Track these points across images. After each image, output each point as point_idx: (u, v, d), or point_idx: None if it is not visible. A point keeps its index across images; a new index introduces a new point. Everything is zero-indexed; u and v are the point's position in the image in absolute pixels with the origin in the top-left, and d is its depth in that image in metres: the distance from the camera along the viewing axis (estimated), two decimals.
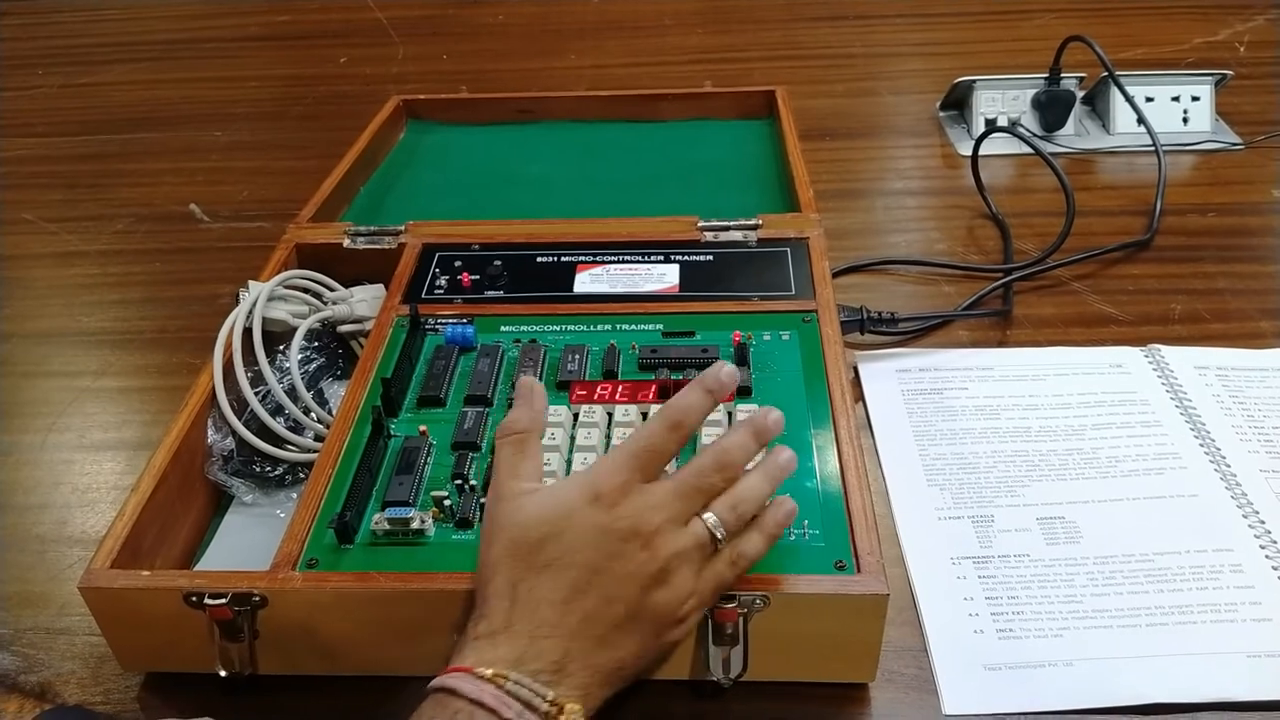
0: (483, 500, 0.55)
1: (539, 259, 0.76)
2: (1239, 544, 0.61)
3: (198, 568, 0.61)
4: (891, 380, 0.75)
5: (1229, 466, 0.66)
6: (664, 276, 0.74)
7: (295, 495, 0.65)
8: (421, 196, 0.93)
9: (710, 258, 0.76)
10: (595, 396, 0.61)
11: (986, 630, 0.57)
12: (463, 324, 0.69)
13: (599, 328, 0.69)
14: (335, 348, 0.73)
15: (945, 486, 0.66)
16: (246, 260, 0.85)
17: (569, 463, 0.57)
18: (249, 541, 0.62)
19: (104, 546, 0.54)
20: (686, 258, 0.75)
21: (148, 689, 0.56)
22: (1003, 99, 1.08)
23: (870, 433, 0.71)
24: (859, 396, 0.74)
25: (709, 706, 0.53)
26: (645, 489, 0.46)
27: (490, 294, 0.73)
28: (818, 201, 0.81)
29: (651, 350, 0.66)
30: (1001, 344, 0.79)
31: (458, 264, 0.76)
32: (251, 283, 0.71)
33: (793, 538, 0.53)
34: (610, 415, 0.60)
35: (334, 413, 0.64)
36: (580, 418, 0.60)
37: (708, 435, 0.58)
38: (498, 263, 0.75)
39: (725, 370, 0.49)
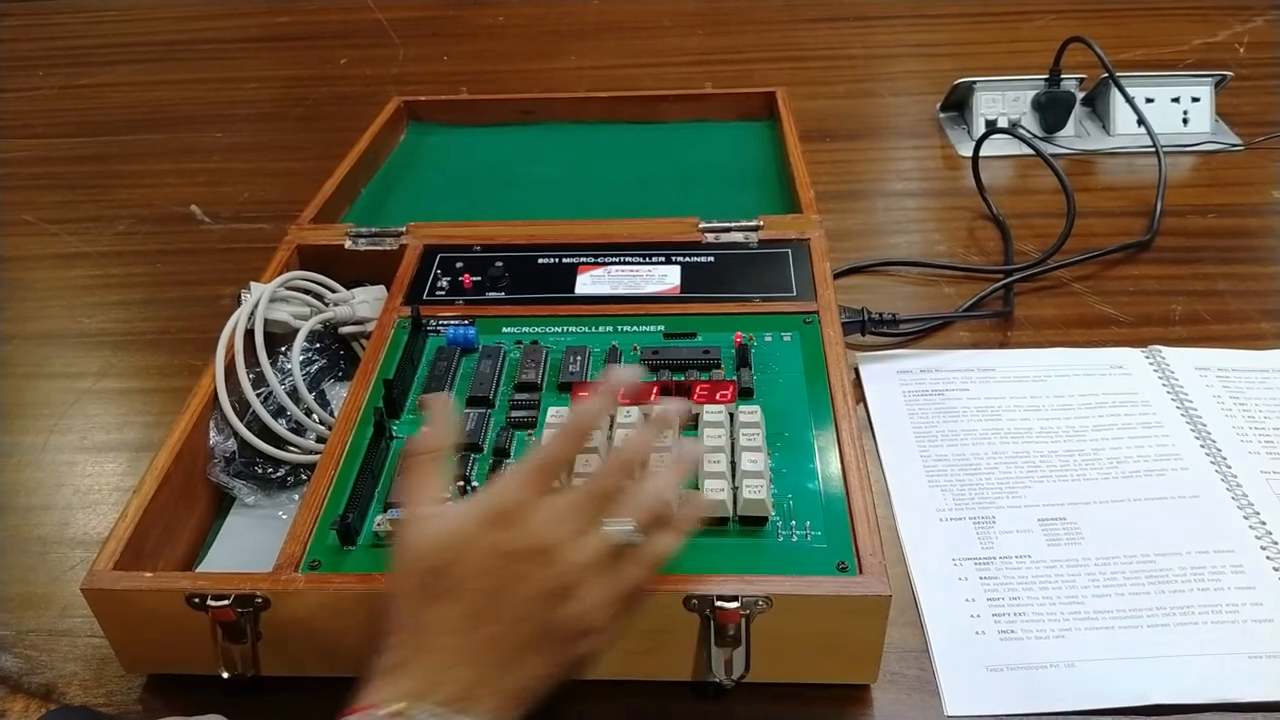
0: None
1: (540, 260, 0.76)
2: (1240, 545, 0.61)
3: (200, 569, 0.61)
4: (893, 381, 0.75)
5: (1230, 467, 0.66)
6: (665, 278, 0.74)
7: (297, 497, 0.65)
8: (423, 198, 0.94)
9: (711, 259, 0.76)
10: None
11: (988, 631, 0.57)
12: (464, 325, 0.69)
13: (600, 329, 0.69)
14: (337, 349, 0.74)
15: (947, 487, 0.66)
16: (247, 261, 0.85)
17: (571, 465, 0.57)
18: (251, 543, 0.62)
19: (106, 548, 0.54)
20: (688, 259, 0.75)
21: (150, 691, 0.56)
22: (1003, 100, 1.08)
23: (871, 434, 0.71)
24: (860, 398, 0.74)
25: (711, 708, 0.54)
26: (545, 503, 0.45)
27: (492, 295, 0.73)
28: (818, 203, 0.81)
29: (653, 351, 0.66)
30: (1002, 345, 0.79)
31: (459, 265, 0.76)
32: (253, 284, 0.72)
33: (795, 539, 0.53)
34: (612, 417, 0.60)
35: (336, 414, 0.64)
36: None
37: (709, 437, 0.58)
38: (499, 264, 0.75)
39: (621, 370, 0.48)
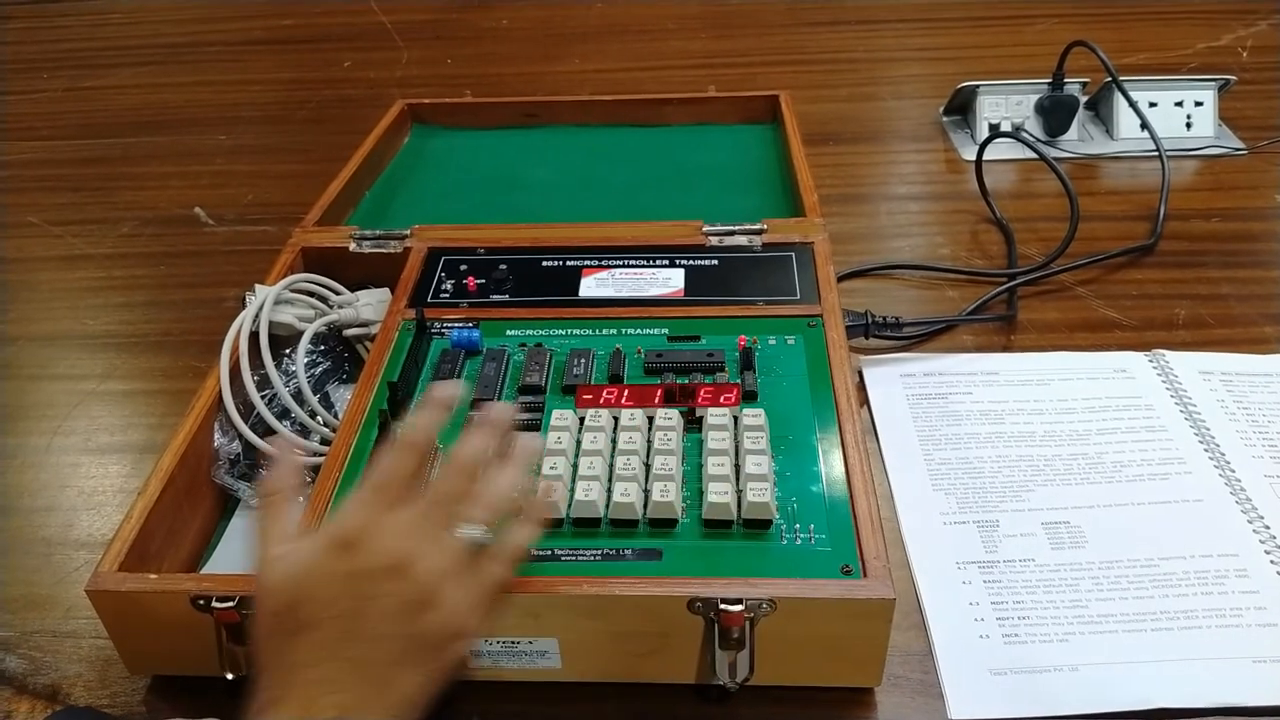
0: None
1: (544, 263, 0.76)
2: (1244, 549, 0.61)
3: (204, 571, 0.61)
4: (896, 385, 0.75)
5: (1234, 472, 0.66)
6: (669, 281, 0.74)
7: (302, 499, 0.65)
8: (427, 200, 0.94)
9: (715, 262, 0.76)
10: (601, 401, 0.62)
11: (992, 635, 0.57)
12: (469, 328, 0.69)
13: (604, 332, 0.69)
14: (341, 351, 0.74)
15: (950, 491, 0.66)
16: (251, 264, 0.85)
17: (575, 467, 0.57)
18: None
19: (111, 549, 0.54)
20: (691, 262, 0.75)
21: (154, 692, 0.56)
22: (1006, 104, 1.08)
23: (875, 437, 0.71)
24: (864, 401, 0.74)
25: (715, 711, 0.53)
26: (389, 520, 0.45)
27: (496, 298, 0.73)
28: (822, 206, 0.81)
29: (657, 354, 0.66)
30: (1006, 349, 0.79)
31: (463, 268, 0.76)
32: (258, 286, 0.72)
33: (799, 542, 0.53)
34: (616, 419, 0.61)
35: (340, 417, 0.64)
36: (586, 422, 0.60)
37: (713, 439, 0.58)
38: (503, 267, 0.75)
39: (444, 385, 0.50)
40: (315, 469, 0.61)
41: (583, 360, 0.65)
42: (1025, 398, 0.73)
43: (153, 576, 0.53)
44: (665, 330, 0.69)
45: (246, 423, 0.64)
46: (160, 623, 0.52)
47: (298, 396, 0.67)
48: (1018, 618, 0.57)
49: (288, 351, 0.70)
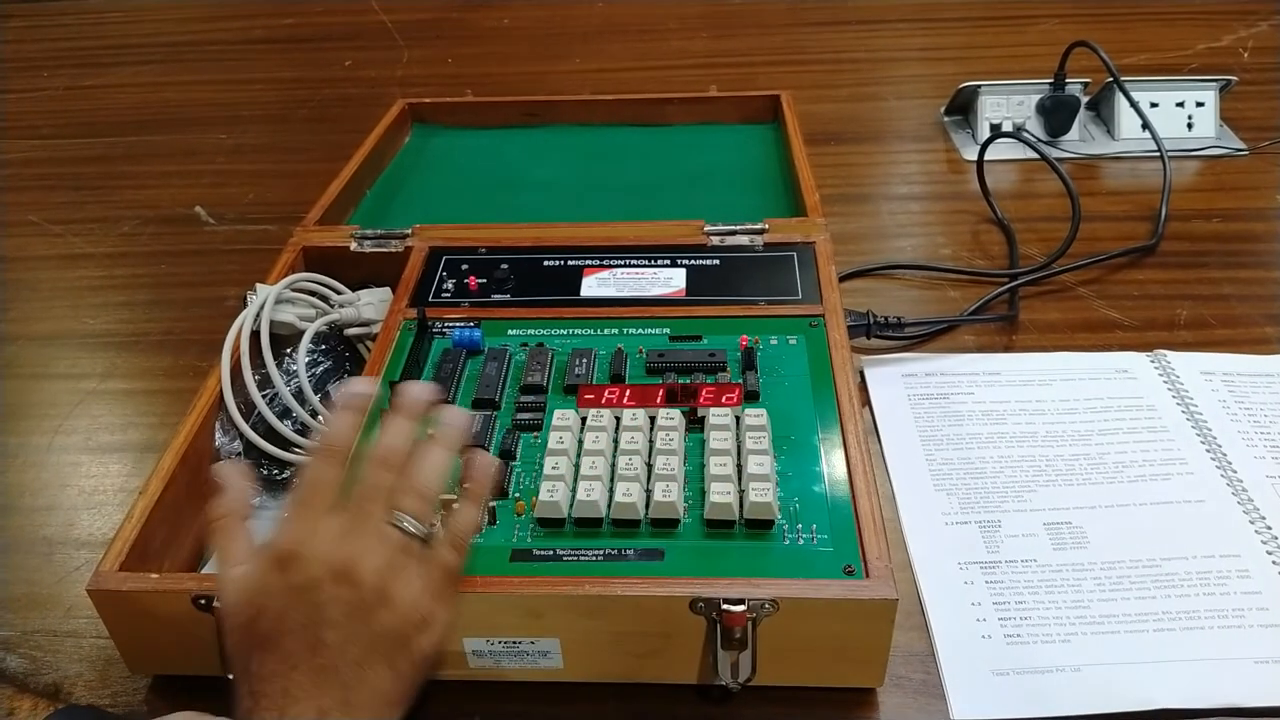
0: (491, 504, 0.55)
1: (546, 263, 0.76)
2: (1246, 549, 0.61)
3: (205, 570, 0.61)
4: (898, 385, 0.75)
5: (1235, 472, 0.66)
6: (671, 280, 0.74)
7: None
8: (428, 200, 0.94)
9: (717, 262, 0.76)
10: (603, 400, 0.61)
11: (994, 635, 0.57)
12: (470, 327, 0.69)
13: (606, 331, 0.69)
14: (342, 351, 0.74)
15: (952, 491, 0.66)
16: (252, 263, 0.85)
17: (576, 468, 0.57)
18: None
19: (112, 549, 0.54)
20: (693, 262, 0.75)
21: (155, 692, 0.56)
22: (1007, 104, 1.08)
23: (877, 437, 0.71)
24: (865, 401, 0.74)
25: (716, 711, 0.53)
26: (322, 528, 0.46)
27: (497, 297, 0.73)
28: (823, 206, 0.81)
29: (659, 354, 0.66)
30: (1007, 349, 0.79)
31: (465, 267, 0.76)
32: (259, 285, 0.72)
33: (801, 542, 0.53)
34: (618, 419, 0.60)
35: None
36: (588, 422, 0.60)
37: (715, 439, 0.58)
38: (505, 266, 0.75)
39: (357, 382, 0.50)
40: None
41: (584, 360, 0.65)
42: (1027, 398, 0.73)
43: (154, 576, 0.53)
44: (667, 330, 0.69)
45: (248, 422, 0.64)
46: (161, 622, 0.52)
47: (299, 396, 0.67)
48: (1020, 618, 0.57)
49: (289, 351, 0.70)
